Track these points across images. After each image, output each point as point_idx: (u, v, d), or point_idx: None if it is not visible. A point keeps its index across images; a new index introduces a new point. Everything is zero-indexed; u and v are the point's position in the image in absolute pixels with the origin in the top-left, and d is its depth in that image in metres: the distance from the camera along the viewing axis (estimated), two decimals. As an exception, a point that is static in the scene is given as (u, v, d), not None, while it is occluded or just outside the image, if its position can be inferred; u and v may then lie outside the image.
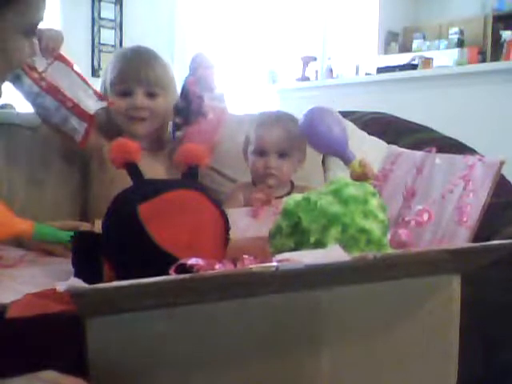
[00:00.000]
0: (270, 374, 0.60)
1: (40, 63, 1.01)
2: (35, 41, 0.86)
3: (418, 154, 0.89)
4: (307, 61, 4.38)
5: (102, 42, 3.85)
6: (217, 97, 1.19)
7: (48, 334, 0.60)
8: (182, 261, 0.56)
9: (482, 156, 0.82)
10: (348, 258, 0.54)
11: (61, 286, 0.45)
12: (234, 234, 0.74)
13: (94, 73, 3.66)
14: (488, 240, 0.63)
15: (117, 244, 0.66)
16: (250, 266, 0.52)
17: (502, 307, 0.95)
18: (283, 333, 0.59)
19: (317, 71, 4.66)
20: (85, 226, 0.92)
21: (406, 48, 5.14)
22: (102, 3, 3.84)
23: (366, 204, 0.67)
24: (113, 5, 3.89)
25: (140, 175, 0.74)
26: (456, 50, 4.59)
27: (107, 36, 3.87)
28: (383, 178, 0.92)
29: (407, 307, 0.67)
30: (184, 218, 0.68)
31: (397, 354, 0.67)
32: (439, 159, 0.85)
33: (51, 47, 1.01)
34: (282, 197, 1.01)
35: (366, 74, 4.29)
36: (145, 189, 0.69)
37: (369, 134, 1.54)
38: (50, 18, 0.93)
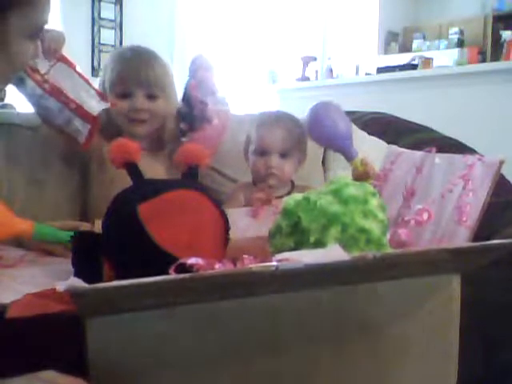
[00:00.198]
0: (270, 374, 0.60)
1: (42, 65, 1.00)
2: (38, 42, 0.86)
3: (418, 153, 0.89)
4: (307, 61, 4.39)
5: (102, 41, 3.86)
6: (219, 100, 1.18)
7: (48, 333, 0.60)
8: (181, 260, 0.56)
9: (482, 156, 0.81)
10: (348, 257, 0.54)
11: (61, 286, 0.45)
12: (233, 233, 0.74)
13: (94, 73, 3.66)
14: (488, 240, 0.63)
15: (117, 244, 0.66)
16: (250, 266, 0.52)
17: (502, 307, 0.95)
18: (283, 333, 0.60)
19: (317, 71, 4.66)
20: (85, 226, 0.92)
21: (405, 48, 5.14)
22: (101, 3, 3.84)
23: (365, 204, 0.67)
24: (113, 5, 3.90)
25: (140, 175, 0.74)
26: (456, 50, 4.59)
27: (107, 36, 3.88)
28: (383, 177, 0.92)
29: (407, 307, 0.66)
30: (184, 218, 0.68)
31: (397, 353, 0.67)
32: (439, 159, 0.84)
33: (53, 48, 1.01)
34: (282, 196, 1.00)
35: (366, 74, 4.29)
36: (145, 189, 0.69)
37: (369, 133, 1.54)
38: (50, 18, 0.93)
